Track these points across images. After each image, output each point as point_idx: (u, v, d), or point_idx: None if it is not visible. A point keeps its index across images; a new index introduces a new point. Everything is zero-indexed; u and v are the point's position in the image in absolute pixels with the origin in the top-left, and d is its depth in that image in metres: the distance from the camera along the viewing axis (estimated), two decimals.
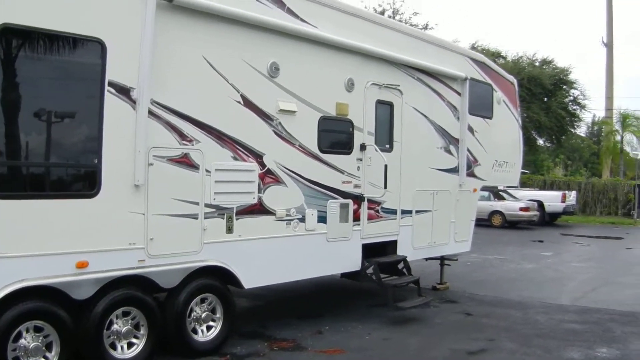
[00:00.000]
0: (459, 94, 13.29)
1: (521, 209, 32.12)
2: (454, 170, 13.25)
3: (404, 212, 11.86)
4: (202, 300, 8.56)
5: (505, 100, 14.78)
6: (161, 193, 7.82)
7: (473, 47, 47.41)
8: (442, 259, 14.19)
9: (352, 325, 10.54)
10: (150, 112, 7.66)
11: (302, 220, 9.70)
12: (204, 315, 8.56)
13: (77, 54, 7.17)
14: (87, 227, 7.16)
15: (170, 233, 7.94)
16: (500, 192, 32.91)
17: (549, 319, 11.46)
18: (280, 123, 9.28)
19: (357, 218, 10.73)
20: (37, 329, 6.89)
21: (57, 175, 7.19)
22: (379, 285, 11.08)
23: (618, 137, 50.53)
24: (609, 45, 54.99)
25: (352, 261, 10.79)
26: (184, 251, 8.11)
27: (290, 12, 9.42)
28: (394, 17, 46.53)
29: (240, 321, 10.39)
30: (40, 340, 6.88)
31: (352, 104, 10.55)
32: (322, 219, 10.04)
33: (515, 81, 15.51)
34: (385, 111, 11.36)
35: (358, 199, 10.71)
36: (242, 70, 8.78)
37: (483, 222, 31.99)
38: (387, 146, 11.38)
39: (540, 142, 53.84)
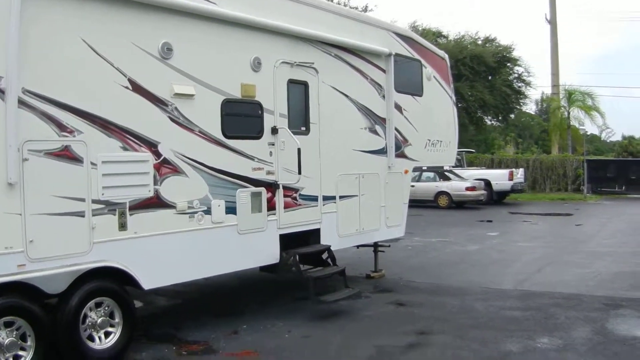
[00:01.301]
0: (384, 71, 12.96)
1: (467, 189, 32.18)
2: (382, 152, 12.92)
3: (326, 198, 11.50)
4: (98, 305, 8.11)
5: (436, 77, 14.54)
6: (40, 190, 7.31)
7: (412, 27, 47.63)
8: (375, 245, 13.87)
9: (272, 322, 10.17)
10: (23, 102, 7.16)
11: (208, 212, 9.25)
12: (99, 320, 8.08)
13: None
14: None
15: (53, 234, 7.43)
16: (446, 172, 32.90)
17: (488, 306, 11.17)
18: (176, 108, 8.81)
19: (272, 207, 10.33)
20: None
21: None
22: (300, 278, 10.71)
23: (566, 114, 51.06)
24: (552, 22, 55.94)
25: (268, 253, 10.38)
26: (70, 253, 7.61)
27: None
28: None
29: (152, 323, 10.06)
30: None
31: (260, 85, 10.11)
32: (231, 209, 9.62)
33: (446, 56, 15.31)
34: (299, 91, 10.95)
35: (272, 186, 10.31)
36: (130, 52, 8.28)
37: (429, 204, 32.26)
38: (303, 129, 11.00)
39: (488, 120, 54.28)
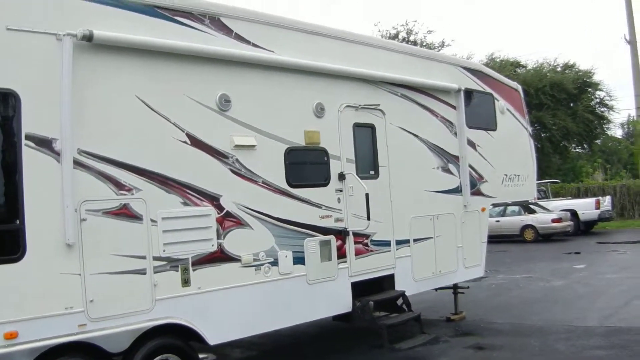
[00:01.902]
0: (454, 107, 12.66)
1: (553, 221, 31.28)
2: (456, 191, 12.57)
3: (399, 242, 11.19)
4: None
5: (510, 109, 14.13)
6: (99, 250, 7.23)
7: (490, 59, 47.08)
8: (454, 287, 13.47)
9: None
10: (78, 163, 7.12)
11: (275, 263, 9.03)
12: None
13: None
14: (14, 294, 6.63)
15: (114, 292, 7.33)
16: (531, 205, 32.08)
17: (570, 345, 10.62)
18: (237, 160, 8.68)
19: (342, 255, 10.07)
20: None
21: None
22: (372, 326, 10.40)
23: None
24: (632, 42, 54.38)
25: (340, 302, 10.11)
26: (132, 311, 7.48)
27: (240, 38, 8.86)
28: (408, 38, 46.53)
29: None
30: None
31: (324, 131, 9.95)
32: (299, 260, 9.39)
33: (519, 87, 14.89)
34: (366, 134, 10.74)
35: (341, 233, 10.07)
36: (186, 106, 8.21)
37: (515, 238, 31.51)
38: (372, 172, 10.77)
39: (572, 149, 53.09)
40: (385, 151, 11.04)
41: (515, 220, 32.14)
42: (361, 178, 10.30)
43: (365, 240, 10.51)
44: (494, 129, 13.57)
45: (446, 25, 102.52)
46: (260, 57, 9.07)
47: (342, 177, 10.12)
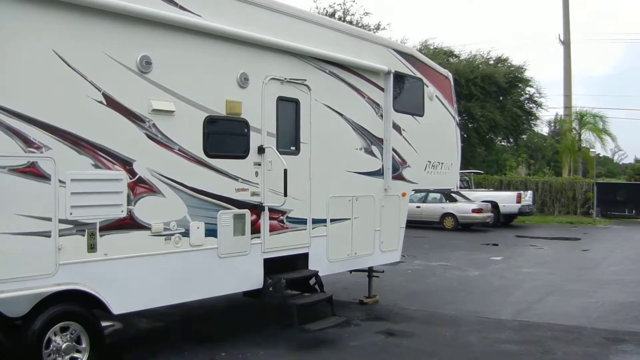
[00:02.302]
0: (383, 89, 12.65)
1: (474, 211, 31.93)
2: (378, 173, 12.60)
3: (316, 221, 11.17)
4: (64, 329, 7.78)
5: (439, 96, 14.20)
6: (2, 208, 7.03)
7: (424, 46, 47.52)
8: (369, 270, 13.53)
9: (253, 350, 9.82)
10: None
11: (186, 234, 8.91)
12: (64, 346, 7.73)
13: None
14: None
15: (15, 254, 7.13)
16: (452, 194, 32.64)
17: (483, 338, 10.78)
18: (154, 125, 8.51)
19: (256, 230, 10.00)
20: None
21: None
22: (283, 305, 10.38)
23: (577, 136, 50.84)
24: (565, 44, 56.05)
25: (252, 279, 10.04)
26: (33, 274, 7.28)
27: None
28: (344, 18, 46.62)
29: (128, 347, 9.77)
30: None
31: (246, 102, 9.80)
32: (211, 232, 9.29)
33: (450, 75, 14.94)
34: (289, 109, 10.65)
35: (257, 208, 9.98)
36: (105, 65, 7.98)
37: (435, 225, 32.12)
38: (293, 148, 10.70)
39: (498, 142, 54.06)
40: (308, 128, 10.97)
41: (436, 208, 32.68)
42: (281, 153, 10.21)
43: (281, 217, 10.46)
44: (421, 115, 13.62)
45: (383, 8, 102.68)
46: (187, 20, 8.88)
47: (261, 150, 10.01)
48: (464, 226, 32.28)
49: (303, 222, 10.95)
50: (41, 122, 7.38)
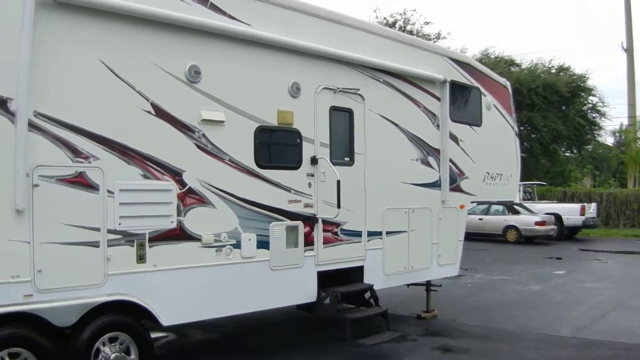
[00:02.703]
0: (439, 99, 12.46)
1: (537, 223, 31.36)
2: (435, 185, 12.38)
3: (371, 233, 11.00)
4: (112, 340, 7.76)
5: (497, 106, 13.92)
6: (51, 218, 7.03)
7: (484, 55, 47.10)
8: (427, 284, 13.29)
9: None
10: (34, 125, 6.91)
11: (237, 246, 8.84)
12: (113, 356, 7.70)
13: None
14: None
15: (64, 264, 7.13)
16: (515, 206, 32.14)
17: (541, 355, 10.41)
18: (204, 135, 8.46)
19: (310, 242, 9.88)
20: None
21: None
22: (337, 319, 10.26)
23: None
24: (629, 51, 54.73)
25: (304, 292, 9.92)
26: (82, 284, 7.29)
27: (215, 8, 8.61)
28: (404, 27, 46.56)
29: (182, 359, 9.71)
30: None
31: (298, 112, 9.73)
32: (263, 244, 9.19)
33: (508, 84, 14.66)
34: (342, 119, 10.53)
35: (310, 220, 9.87)
36: (154, 75, 7.98)
37: (497, 238, 31.77)
38: (347, 159, 10.58)
39: (563, 152, 53.17)
40: (362, 138, 10.83)
41: (498, 220, 32.24)
42: (335, 164, 10.11)
43: (335, 229, 10.32)
44: (479, 125, 13.39)
45: (444, 17, 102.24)
46: (236, 29, 8.84)
47: (314, 161, 9.92)
48: (527, 239, 31.68)
49: (358, 234, 10.79)
50: (89, 132, 7.39)
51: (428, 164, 12.26)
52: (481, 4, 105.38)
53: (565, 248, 29.91)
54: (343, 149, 10.58)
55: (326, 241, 10.18)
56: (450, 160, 12.62)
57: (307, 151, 9.91)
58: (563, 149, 52.21)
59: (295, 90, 9.70)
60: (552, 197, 43.88)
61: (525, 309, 14.72)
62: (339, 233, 10.41)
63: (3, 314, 6.77)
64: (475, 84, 13.40)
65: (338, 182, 9.83)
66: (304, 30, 9.87)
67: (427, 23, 49.36)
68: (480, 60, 43.59)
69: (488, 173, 13.67)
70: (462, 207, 13.21)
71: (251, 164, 9.08)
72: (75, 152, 7.28)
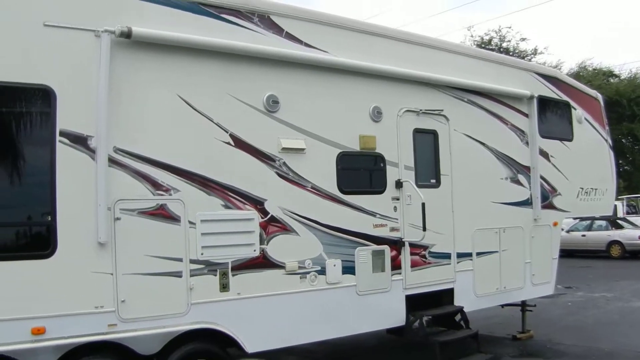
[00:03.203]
0: (527, 115, 12.22)
1: None
2: (526, 203, 12.11)
3: (460, 255, 10.83)
4: None
5: (588, 119, 13.60)
6: (133, 250, 7.17)
7: (581, 68, 46.01)
8: (522, 304, 13.01)
9: None
10: (114, 161, 7.08)
11: (322, 272, 8.81)
12: None
13: (24, 103, 6.74)
14: (43, 290, 6.65)
15: (147, 294, 7.26)
16: (619, 220, 31.29)
17: None
18: (284, 163, 8.50)
19: (397, 266, 9.78)
20: None
21: (7, 234, 6.67)
22: (426, 342, 10.08)
23: None
24: None
25: (393, 316, 9.81)
26: (165, 313, 7.41)
27: (291, 37, 8.68)
28: (500, 45, 46.01)
29: None
30: None
31: (380, 136, 9.67)
32: (349, 269, 9.14)
33: (599, 96, 14.32)
34: (427, 141, 10.43)
35: (397, 244, 9.77)
36: (231, 106, 8.07)
37: (601, 254, 30.98)
38: (433, 181, 10.45)
39: None
40: (449, 159, 10.71)
41: (601, 235, 31.43)
42: (421, 187, 10.00)
43: (423, 252, 10.19)
44: (570, 139, 13.08)
45: (539, 32, 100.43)
46: (313, 57, 8.87)
47: (399, 184, 9.83)
48: (632, 254, 30.70)
49: (447, 256, 10.64)
50: (169, 165, 7.51)
51: (518, 182, 12.01)
52: (576, 16, 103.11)
53: None
54: (428, 171, 10.47)
55: (414, 264, 10.06)
56: (542, 177, 12.34)
57: (392, 175, 9.83)
58: None
59: (376, 115, 9.65)
60: None
61: (625, 327, 14.28)
62: (427, 256, 10.27)
63: (88, 343, 6.95)
64: (565, 97, 13.12)
65: (423, 204, 9.71)
66: (382, 54, 9.82)
67: (523, 39, 48.33)
68: (577, 74, 42.70)
69: (582, 188, 13.34)
70: (555, 224, 12.87)
71: (334, 190, 9.05)
72: (155, 185, 7.41)
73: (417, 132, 10.27)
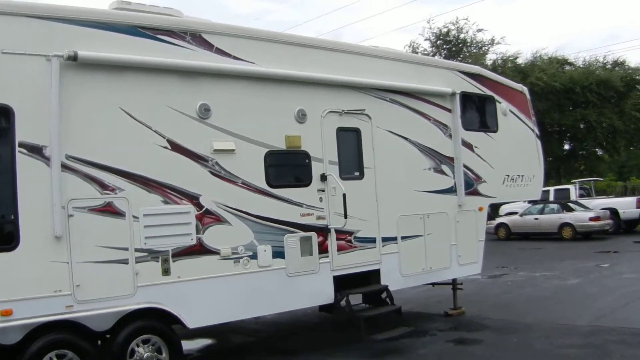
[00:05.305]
0: (450, 110, 13.69)
1: (591, 219, 32.02)
2: (450, 191, 13.59)
3: (386, 239, 12.28)
4: (146, 342, 9.33)
5: (513, 111, 15.05)
6: (85, 241, 8.64)
7: (535, 57, 47.35)
8: (453, 283, 14.50)
9: None
10: (66, 166, 8.56)
11: (254, 257, 10.21)
12: (146, 355, 9.24)
13: None
14: (8, 278, 8.11)
15: (99, 279, 8.73)
16: (570, 204, 32.98)
17: (547, 344, 11.39)
18: (217, 162, 9.94)
19: (324, 250, 11.24)
20: None
21: None
22: (351, 317, 11.58)
23: None
24: None
25: (322, 294, 11.30)
26: (115, 295, 8.87)
27: (220, 51, 10.14)
28: (458, 36, 47.41)
29: None
30: None
31: (305, 135, 11.07)
32: (279, 254, 10.52)
33: (525, 89, 15.75)
34: (350, 138, 11.85)
35: (323, 230, 11.25)
36: (168, 115, 9.48)
37: (553, 236, 32.70)
38: (357, 173, 11.90)
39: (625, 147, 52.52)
40: (372, 154, 12.13)
41: (553, 218, 33.08)
42: (346, 179, 11.48)
43: (349, 237, 11.65)
44: (495, 131, 14.54)
45: (497, 23, 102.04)
46: (240, 69, 10.34)
47: (324, 178, 11.28)
48: (584, 235, 32.36)
49: (372, 240, 12.09)
50: (113, 168, 9.00)
51: (442, 172, 13.48)
52: (533, 7, 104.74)
53: (619, 242, 30.50)
54: (352, 164, 11.89)
55: (340, 248, 11.52)
56: (466, 167, 13.81)
57: (317, 169, 11.27)
58: (623, 143, 51.33)
59: (301, 116, 11.10)
60: (613, 192, 44.02)
61: (553, 303, 15.66)
62: (352, 240, 11.74)
63: (49, 322, 8.43)
64: (489, 92, 14.56)
65: (344, 195, 11.14)
66: (307, 61, 11.30)
67: (480, 30, 49.53)
68: (532, 62, 44.22)
69: (508, 175, 14.81)
70: (480, 209, 14.34)
71: (263, 184, 10.51)
72: (102, 185, 8.89)
73: (341, 130, 11.72)
